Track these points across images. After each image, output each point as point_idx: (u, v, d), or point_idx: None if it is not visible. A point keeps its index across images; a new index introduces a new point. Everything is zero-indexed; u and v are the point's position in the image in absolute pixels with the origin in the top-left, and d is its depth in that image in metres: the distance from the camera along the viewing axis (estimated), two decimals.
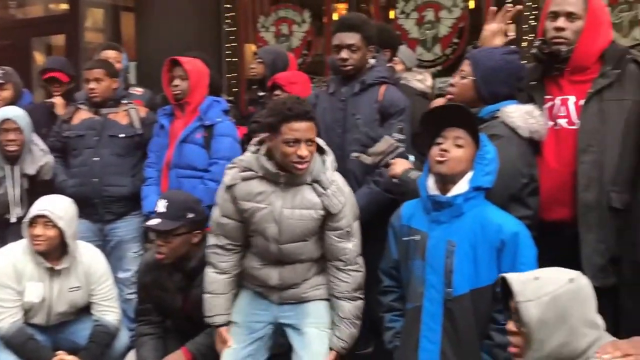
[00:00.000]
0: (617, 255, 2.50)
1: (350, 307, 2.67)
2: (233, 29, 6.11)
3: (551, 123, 2.60)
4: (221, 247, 2.76)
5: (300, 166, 2.51)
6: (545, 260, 2.49)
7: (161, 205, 3.00)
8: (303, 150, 2.48)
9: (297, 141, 2.48)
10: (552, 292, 1.88)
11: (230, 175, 2.67)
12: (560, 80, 2.61)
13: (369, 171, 3.07)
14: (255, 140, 2.74)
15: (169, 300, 3.12)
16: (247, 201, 2.64)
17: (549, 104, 2.62)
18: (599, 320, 1.96)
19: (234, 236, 2.74)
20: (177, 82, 3.54)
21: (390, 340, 2.46)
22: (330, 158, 2.68)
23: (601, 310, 2.40)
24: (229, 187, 2.66)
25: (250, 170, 2.64)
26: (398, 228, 2.47)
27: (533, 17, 4.90)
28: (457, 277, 2.26)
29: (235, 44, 6.11)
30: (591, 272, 2.43)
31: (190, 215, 2.97)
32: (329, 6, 5.93)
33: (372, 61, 3.25)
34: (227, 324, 2.81)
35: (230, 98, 5.27)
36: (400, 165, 2.76)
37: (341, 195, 2.62)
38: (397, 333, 2.45)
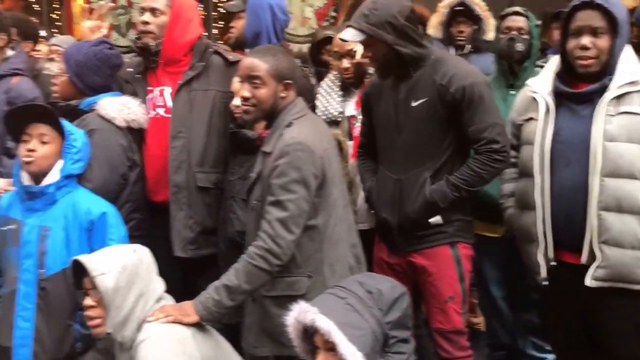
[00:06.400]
0: (209, 228, 2.86)
1: None
2: None
3: (153, 112, 2.89)
4: None
5: None
6: (158, 237, 2.81)
7: None
8: None
9: None
10: (120, 262, 2.17)
11: None
12: (158, 71, 2.89)
13: None
14: None
15: None
16: None
17: (151, 95, 2.90)
18: (160, 284, 2.30)
19: None
20: None
21: None
22: None
23: (209, 276, 2.79)
24: None
25: None
26: None
27: None
28: (50, 259, 2.45)
29: None
30: (180, 245, 2.79)
31: None
32: None
33: (9, 52, 3.31)
34: None
35: None
36: None
37: None
38: None
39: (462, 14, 3.72)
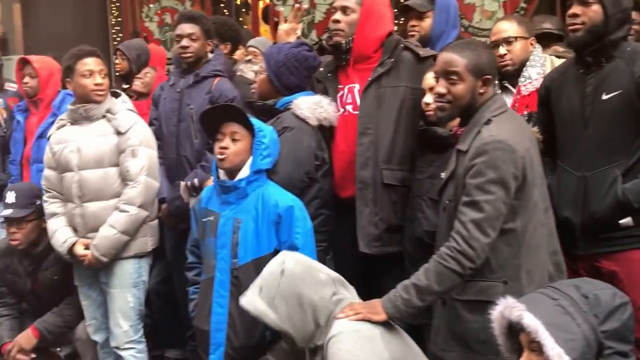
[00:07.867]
0: (395, 226, 2.80)
1: (116, 216, 3.03)
2: (119, 19, 6.27)
3: (342, 110, 2.90)
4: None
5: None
6: (344, 233, 2.84)
7: (10, 197, 3.25)
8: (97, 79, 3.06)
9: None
10: (275, 292, 2.16)
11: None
12: (348, 69, 2.90)
13: (200, 158, 3.34)
14: None
15: (20, 284, 3.37)
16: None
17: (340, 92, 2.91)
18: (331, 273, 2.25)
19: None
20: (26, 79, 3.78)
21: (192, 310, 2.74)
22: (124, 98, 3.27)
23: (393, 274, 2.75)
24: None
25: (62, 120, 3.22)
26: (198, 211, 2.74)
27: None
28: (242, 249, 2.55)
29: (122, 35, 6.27)
30: (365, 241, 2.76)
31: (38, 202, 3.23)
32: None
33: (210, 55, 3.52)
34: None
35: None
36: None
37: (132, 120, 3.11)
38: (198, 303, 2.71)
39: None
